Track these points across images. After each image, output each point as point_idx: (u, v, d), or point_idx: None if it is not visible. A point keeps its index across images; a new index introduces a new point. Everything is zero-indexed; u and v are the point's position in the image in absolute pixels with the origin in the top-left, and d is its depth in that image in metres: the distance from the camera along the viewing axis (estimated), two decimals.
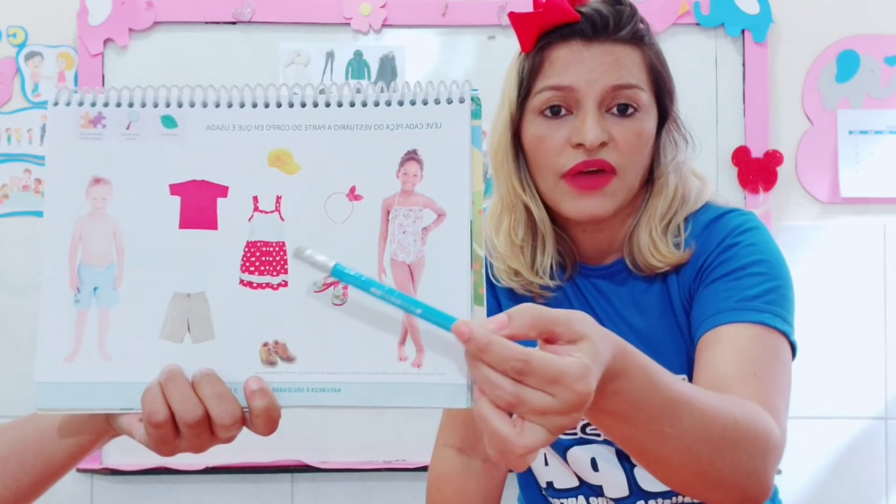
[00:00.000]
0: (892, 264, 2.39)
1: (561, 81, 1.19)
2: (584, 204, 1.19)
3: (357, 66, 2.38)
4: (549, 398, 0.71)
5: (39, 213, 0.86)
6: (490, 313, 1.30)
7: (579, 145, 1.17)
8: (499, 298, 1.30)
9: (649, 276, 1.25)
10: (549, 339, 0.75)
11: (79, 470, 2.33)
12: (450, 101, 0.81)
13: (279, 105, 0.83)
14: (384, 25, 2.38)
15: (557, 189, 1.21)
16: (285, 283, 0.82)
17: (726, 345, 1.12)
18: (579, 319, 0.76)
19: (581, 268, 1.30)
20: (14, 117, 2.36)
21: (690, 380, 1.18)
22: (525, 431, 0.72)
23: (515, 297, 1.27)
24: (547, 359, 0.72)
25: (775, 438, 1.00)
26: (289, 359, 0.81)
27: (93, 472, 2.34)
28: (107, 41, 2.36)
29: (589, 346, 0.74)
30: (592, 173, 1.19)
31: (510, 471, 1.41)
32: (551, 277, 1.27)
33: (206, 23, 2.38)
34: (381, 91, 0.83)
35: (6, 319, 2.34)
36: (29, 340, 0.83)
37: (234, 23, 2.37)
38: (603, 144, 1.17)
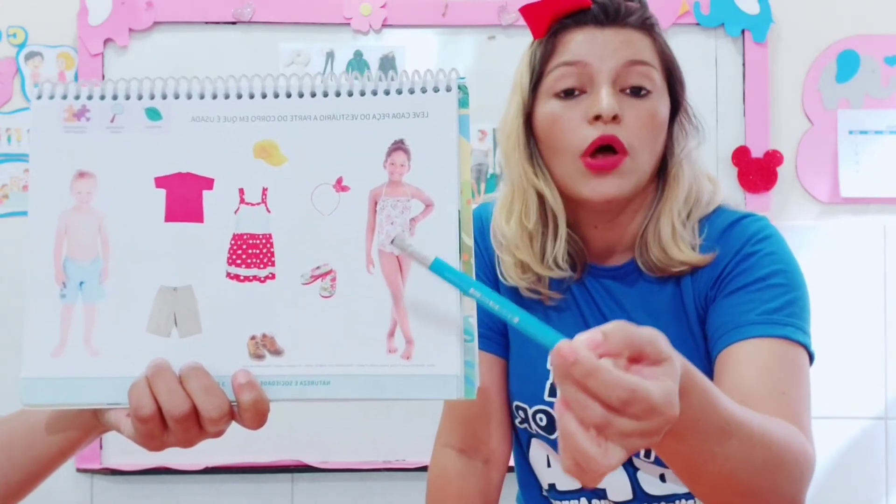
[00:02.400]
0: (892, 264, 2.38)
1: (574, 57, 1.19)
2: (598, 184, 1.18)
3: (357, 66, 2.38)
4: (636, 423, 0.70)
5: None
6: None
7: (596, 118, 1.17)
8: None
9: (661, 277, 1.24)
10: (635, 359, 0.72)
11: (79, 470, 2.33)
12: (436, 90, 0.81)
13: (264, 96, 0.82)
14: (384, 25, 2.38)
15: (575, 169, 1.19)
16: (272, 276, 0.81)
17: (752, 362, 1.11)
18: (661, 338, 0.73)
19: (590, 268, 1.28)
20: (14, 117, 2.36)
21: None
22: (609, 452, 0.70)
23: (520, 299, 1.27)
24: (648, 390, 0.69)
25: (811, 460, 1.00)
26: (277, 352, 0.80)
27: (93, 472, 2.34)
28: (107, 41, 2.36)
29: (672, 369, 0.73)
30: (607, 151, 1.17)
31: (510, 470, 1.40)
32: (561, 269, 1.24)
33: (206, 23, 2.38)
34: (367, 80, 0.82)
35: (6, 319, 2.34)
36: None
37: (233, 23, 2.37)
38: (616, 119, 1.16)
